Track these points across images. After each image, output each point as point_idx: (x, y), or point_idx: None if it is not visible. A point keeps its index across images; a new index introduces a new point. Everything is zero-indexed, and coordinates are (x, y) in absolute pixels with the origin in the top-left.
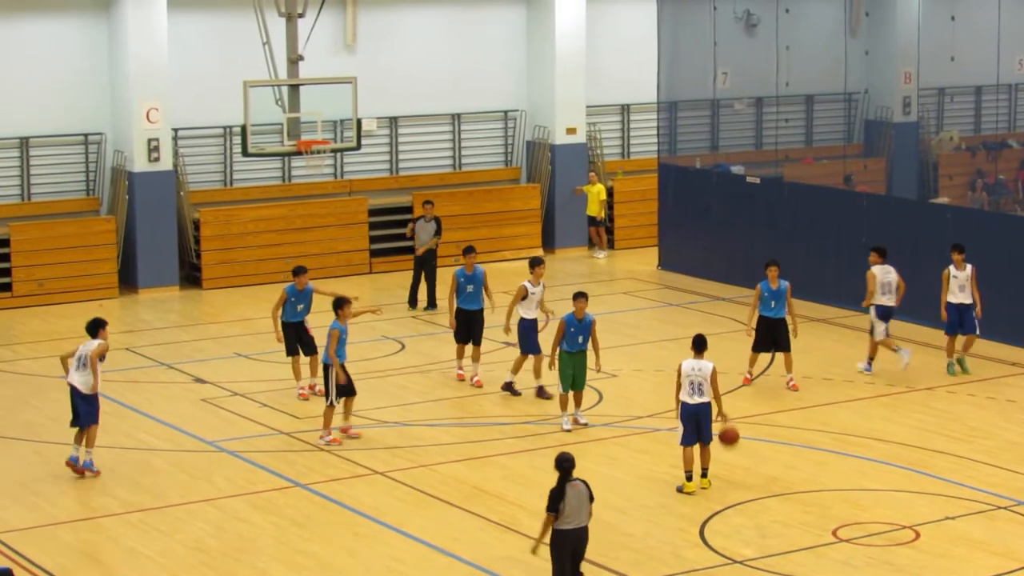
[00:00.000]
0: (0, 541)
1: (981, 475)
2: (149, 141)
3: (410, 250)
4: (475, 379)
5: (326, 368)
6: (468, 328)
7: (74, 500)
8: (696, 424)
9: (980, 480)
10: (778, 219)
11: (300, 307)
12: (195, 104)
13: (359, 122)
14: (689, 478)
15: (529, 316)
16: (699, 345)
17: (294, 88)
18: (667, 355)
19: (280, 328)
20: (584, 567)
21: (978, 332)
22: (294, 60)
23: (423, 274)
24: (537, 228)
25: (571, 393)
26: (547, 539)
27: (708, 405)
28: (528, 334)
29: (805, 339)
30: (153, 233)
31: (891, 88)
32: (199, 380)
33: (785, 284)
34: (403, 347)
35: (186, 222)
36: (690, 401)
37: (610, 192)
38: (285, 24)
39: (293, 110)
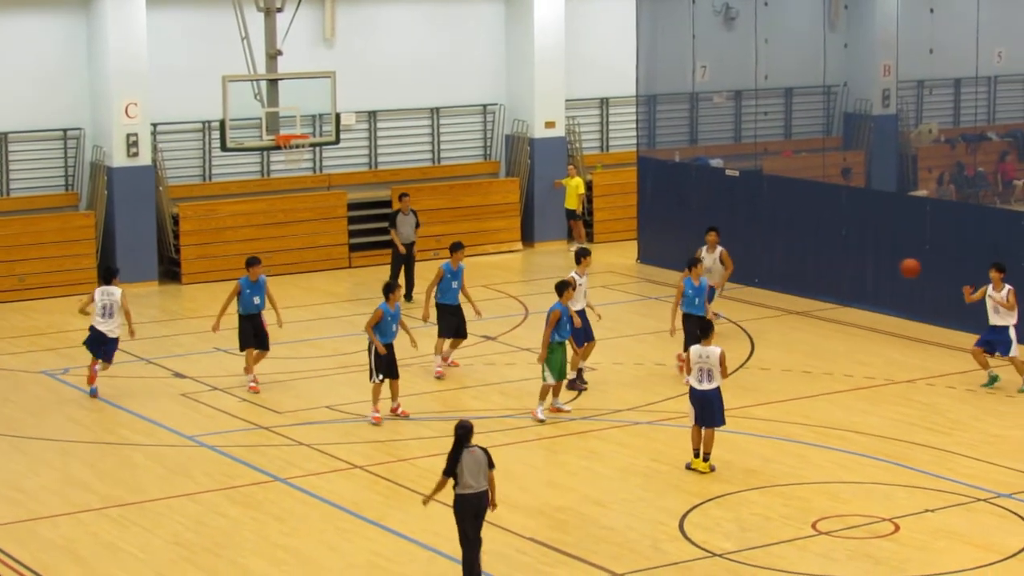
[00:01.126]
0: None
1: (961, 467)
2: (128, 136)
3: (390, 243)
4: (450, 362)
5: (369, 345)
6: (458, 322)
7: (54, 495)
8: (702, 408)
9: (960, 472)
10: (757, 212)
11: (256, 299)
12: (174, 99)
13: (338, 116)
14: (697, 455)
15: (576, 307)
16: (705, 331)
17: (273, 83)
18: (647, 349)
19: (219, 320)
20: (564, 560)
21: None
22: (273, 55)
23: (403, 268)
24: (516, 222)
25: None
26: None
27: (717, 391)
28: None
29: (784, 332)
30: (132, 228)
31: (870, 81)
32: (178, 375)
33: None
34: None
35: (165, 217)
36: (698, 387)
37: (589, 186)
38: (264, 19)
39: (272, 105)
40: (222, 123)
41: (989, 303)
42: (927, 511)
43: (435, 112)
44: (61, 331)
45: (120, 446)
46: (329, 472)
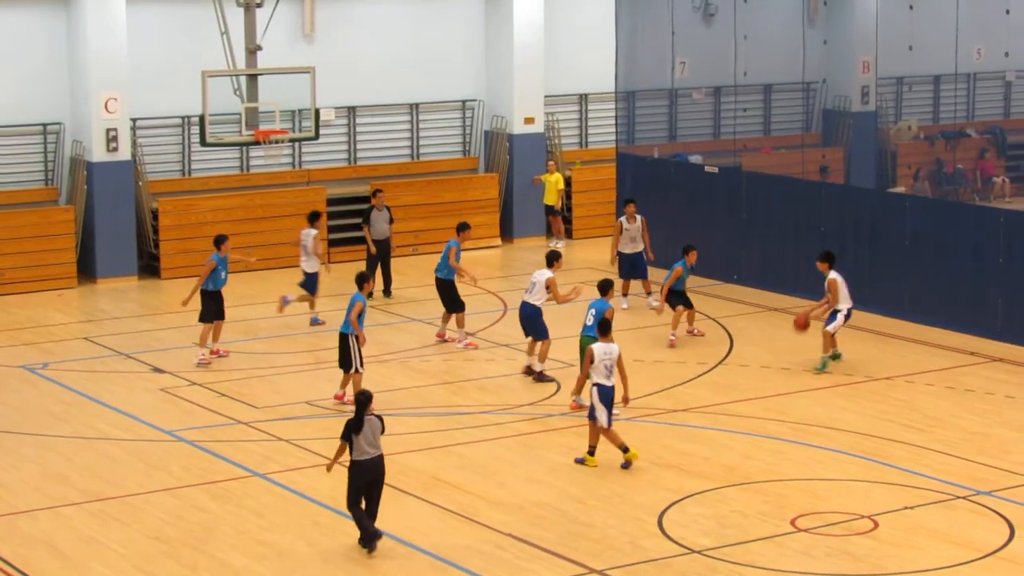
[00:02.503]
0: None
1: (939, 465)
2: (108, 131)
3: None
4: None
5: (347, 338)
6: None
7: (34, 489)
8: (610, 404)
9: (938, 470)
10: (736, 209)
11: (223, 274)
12: (153, 94)
13: (317, 112)
14: (624, 449)
15: (536, 301)
16: (605, 329)
17: (252, 78)
18: (625, 345)
19: (191, 297)
20: (542, 556)
21: None
22: (252, 50)
23: (379, 264)
24: (495, 218)
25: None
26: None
27: (612, 389)
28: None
29: (763, 328)
30: (112, 223)
31: (849, 77)
32: (157, 370)
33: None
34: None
35: (145, 212)
36: (607, 383)
37: (568, 182)
38: (243, 14)
39: (251, 100)
40: (201, 118)
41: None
42: (906, 508)
43: (414, 108)
44: (40, 325)
45: (99, 440)
46: (307, 467)
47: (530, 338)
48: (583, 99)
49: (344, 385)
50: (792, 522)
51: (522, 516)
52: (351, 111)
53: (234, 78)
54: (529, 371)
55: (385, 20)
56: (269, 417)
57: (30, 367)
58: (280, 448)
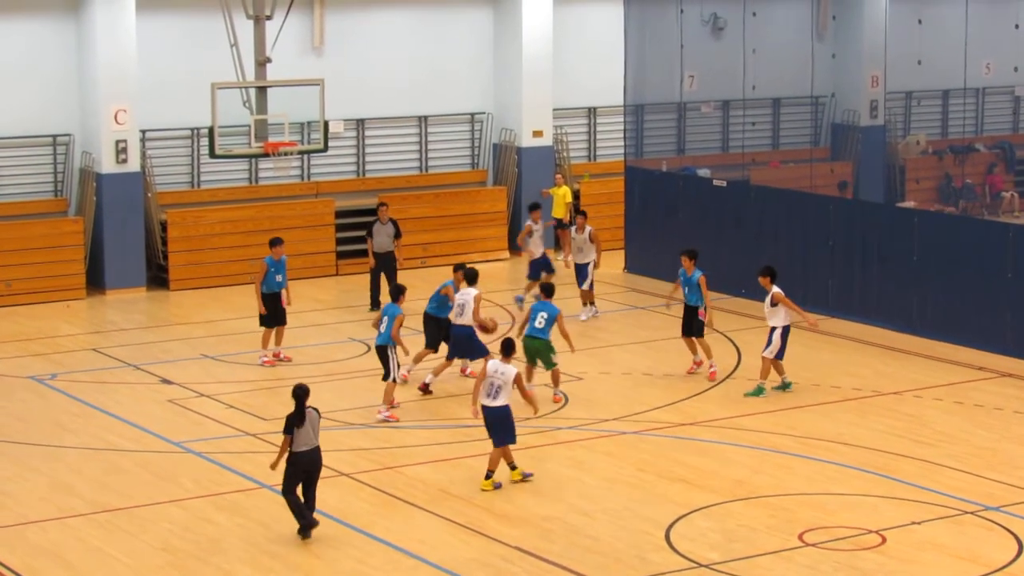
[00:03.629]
0: None
1: (948, 480)
2: (117, 143)
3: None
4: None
5: (387, 349)
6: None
7: (42, 500)
8: (491, 426)
9: (947, 485)
10: (745, 222)
11: (279, 277)
12: (163, 106)
13: (326, 124)
14: (513, 468)
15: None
16: (507, 349)
17: (261, 90)
18: (633, 358)
19: (261, 304)
20: (550, 570)
21: None
22: (261, 62)
23: (382, 277)
24: (503, 230)
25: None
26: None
27: (503, 408)
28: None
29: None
30: (121, 234)
31: (858, 92)
32: (166, 381)
33: (698, 274)
34: (369, 349)
35: (153, 223)
36: (485, 403)
37: (576, 195)
38: (253, 26)
39: (260, 112)
40: (211, 130)
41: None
42: (914, 523)
43: (423, 120)
44: (49, 336)
45: (107, 451)
46: None
47: (444, 359)
48: (592, 112)
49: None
50: (800, 536)
51: (529, 529)
52: (360, 123)
53: (243, 90)
54: (426, 388)
55: (394, 33)
56: (277, 429)
57: (38, 378)
58: None
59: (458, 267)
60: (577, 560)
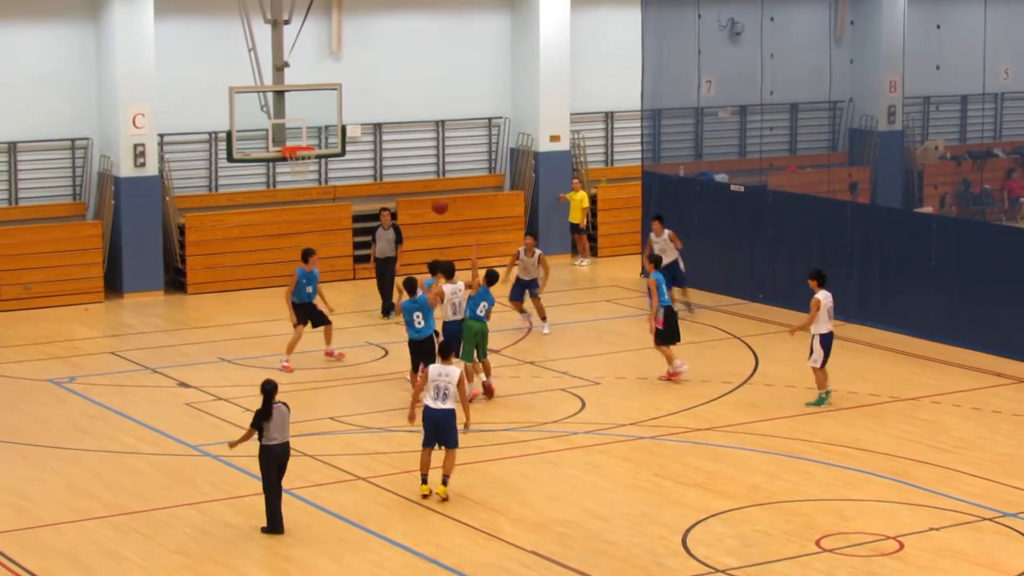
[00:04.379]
0: None
1: (966, 486)
2: (135, 146)
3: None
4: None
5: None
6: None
7: (58, 503)
8: (435, 429)
9: (965, 491)
10: (762, 228)
11: (309, 288)
12: (181, 110)
13: (344, 128)
14: (424, 480)
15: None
16: (445, 351)
17: (279, 94)
18: (650, 363)
19: (292, 310)
20: (566, 574)
21: None
22: (279, 66)
23: (379, 282)
24: (520, 235)
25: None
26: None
27: (451, 412)
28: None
29: (789, 349)
30: (139, 238)
31: (876, 97)
32: (183, 384)
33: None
34: (386, 353)
35: (171, 227)
36: (433, 406)
37: (593, 200)
38: (271, 31)
39: (278, 116)
40: (229, 134)
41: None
42: (932, 529)
43: (440, 125)
44: (67, 340)
45: (125, 454)
46: (332, 483)
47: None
48: (609, 117)
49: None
50: (817, 542)
51: (546, 533)
52: (377, 128)
53: (261, 94)
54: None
55: (412, 37)
56: (294, 433)
57: (57, 381)
58: (305, 464)
59: (433, 267)
60: (593, 565)
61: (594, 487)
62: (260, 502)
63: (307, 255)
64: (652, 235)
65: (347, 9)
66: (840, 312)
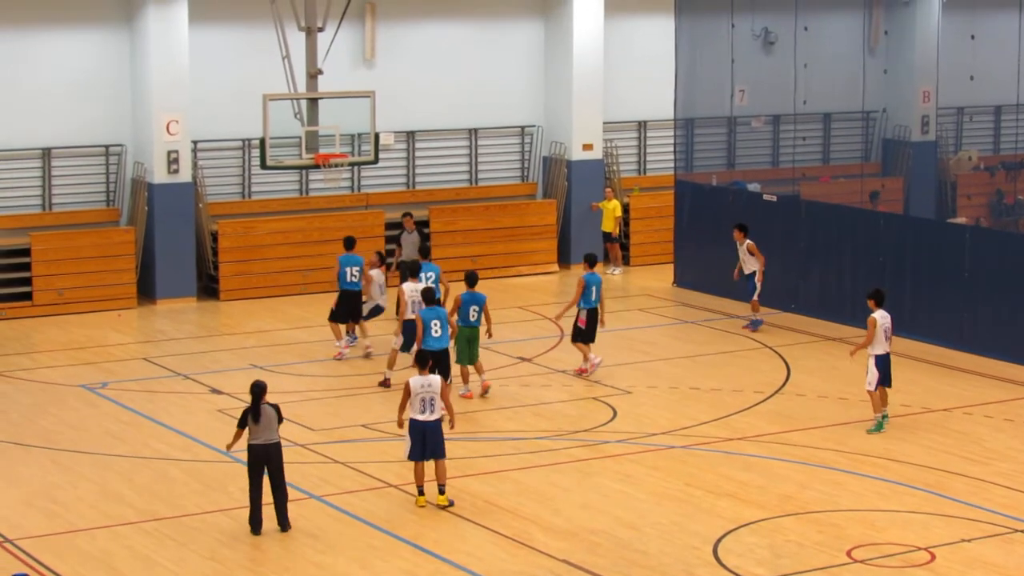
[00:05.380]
0: (18, 548)
1: (998, 497)
2: (169, 153)
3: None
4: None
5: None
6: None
7: (91, 508)
8: (423, 440)
9: (997, 503)
10: (794, 237)
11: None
12: (214, 117)
13: (377, 136)
14: (420, 492)
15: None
16: (423, 361)
17: (313, 102)
18: (682, 372)
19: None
20: None
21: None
22: (313, 74)
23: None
24: (552, 244)
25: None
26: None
27: (439, 422)
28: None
29: (820, 358)
30: (172, 244)
31: (909, 107)
32: (215, 391)
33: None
34: None
35: (204, 234)
36: (420, 418)
37: (626, 208)
38: (304, 38)
39: (311, 124)
40: (262, 141)
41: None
42: (964, 541)
43: (473, 133)
44: (100, 345)
45: (157, 460)
46: (363, 490)
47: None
48: (642, 126)
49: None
50: (848, 553)
51: (577, 542)
52: (410, 135)
53: (295, 102)
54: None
55: (445, 46)
56: (325, 439)
57: (89, 386)
58: (336, 471)
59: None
60: (624, 574)
61: (625, 496)
62: (294, 509)
63: (350, 243)
64: (737, 244)
65: (381, 17)
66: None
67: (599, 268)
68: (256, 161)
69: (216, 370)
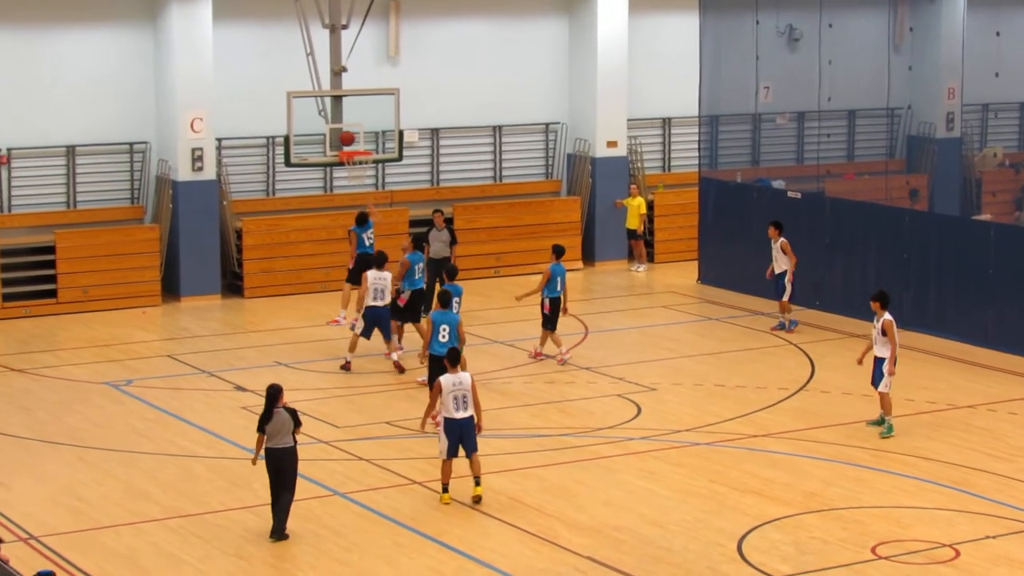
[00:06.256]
0: (44, 545)
1: (1023, 494)
2: (193, 151)
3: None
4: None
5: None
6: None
7: (116, 505)
8: (459, 437)
9: (1022, 499)
10: (819, 234)
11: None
12: (239, 114)
13: (401, 133)
14: (445, 489)
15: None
16: (454, 359)
17: (337, 99)
18: (706, 369)
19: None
20: None
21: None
22: (337, 71)
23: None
24: (577, 241)
25: None
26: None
27: (472, 418)
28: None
29: (845, 355)
30: (196, 242)
31: (934, 104)
32: (240, 388)
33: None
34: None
35: (229, 231)
36: (457, 416)
37: (650, 205)
38: (328, 35)
39: (336, 121)
40: (286, 139)
41: (873, 334)
42: (988, 537)
43: (497, 130)
44: (124, 343)
45: (181, 457)
46: (388, 487)
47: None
48: (666, 123)
49: None
50: (873, 550)
51: (601, 539)
52: (434, 133)
53: (319, 99)
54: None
55: (469, 43)
56: (350, 437)
57: (114, 384)
58: (361, 468)
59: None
60: (648, 571)
61: (650, 493)
62: (319, 506)
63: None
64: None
65: (405, 14)
66: (896, 319)
67: (624, 264)
68: (280, 158)
69: (241, 367)
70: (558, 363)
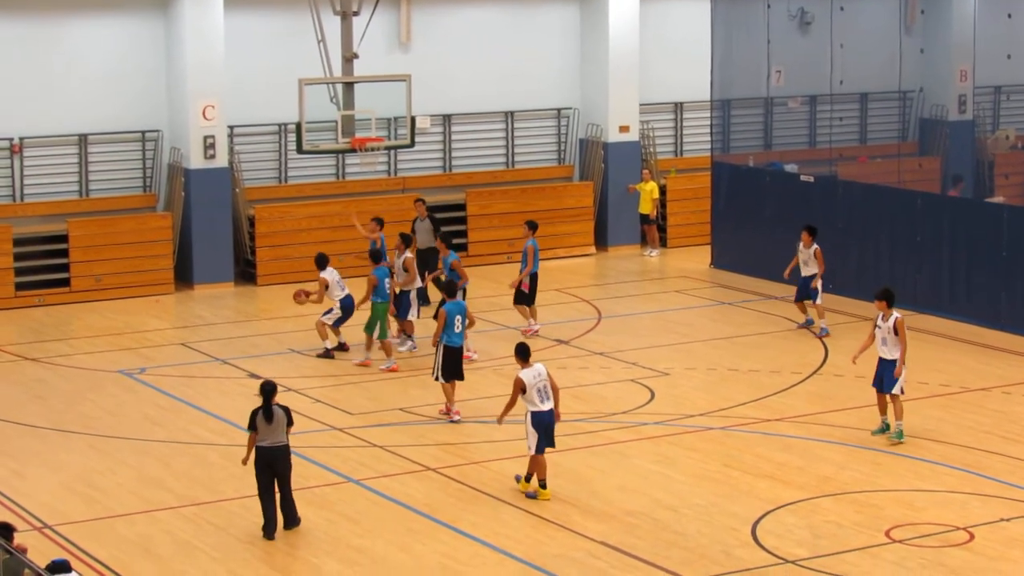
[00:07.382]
0: (58, 533)
1: None
2: (205, 138)
3: (460, 248)
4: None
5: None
6: None
7: (130, 493)
8: (546, 430)
9: None
10: (832, 218)
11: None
12: (250, 102)
13: (413, 120)
14: (543, 485)
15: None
16: (524, 353)
17: (348, 86)
18: (720, 354)
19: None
20: (635, 565)
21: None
22: (349, 58)
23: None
24: (589, 226)
25: None
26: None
27: (552, 410)
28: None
29: (857, 339)
30: (208, 229)
31: (946, 86)
32: (253, 376)
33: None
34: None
35: (241, 219)
36: (544, 408)
37: (663, 190)
38: (340, 22)
39: (347, 108)
40: (298, 126)
41: (877, 335)
42: (1002, 520)
43: (509, 116)
44: (138, 331)
45: (195, 445)
46: (401, 474)
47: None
48: (678, 108)
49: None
50: (887, 533)
51: (615, 524)
52: (446, 119)
53: (330, 86)
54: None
55: (481, 28)
56: (364, 423)
57: (128, 372)
58: (374, 454)
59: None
60: (662, 555)
61: (663, 478)
62: (332, 492)
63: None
64: (801, 245)
65: (416, 0)
66: (910, 302)
67: (636, 249)
68: (292, 146)
69: (254, 355)
70: (525, 334)
